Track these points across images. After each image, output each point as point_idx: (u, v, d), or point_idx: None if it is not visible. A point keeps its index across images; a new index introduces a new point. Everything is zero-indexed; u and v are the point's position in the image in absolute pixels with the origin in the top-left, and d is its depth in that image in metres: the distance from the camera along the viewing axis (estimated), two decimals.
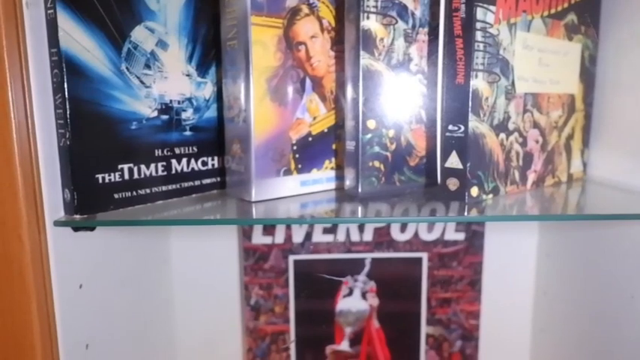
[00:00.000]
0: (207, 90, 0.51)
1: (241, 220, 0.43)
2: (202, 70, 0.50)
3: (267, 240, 0.70)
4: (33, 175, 0.39)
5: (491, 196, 0.48)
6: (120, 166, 0.44)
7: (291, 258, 0.70)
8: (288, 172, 0.50)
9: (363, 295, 0.72)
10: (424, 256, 0.71)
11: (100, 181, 0.42)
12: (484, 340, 0.73)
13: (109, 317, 0.50)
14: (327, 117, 0.52)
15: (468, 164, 0.45)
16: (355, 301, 0.72)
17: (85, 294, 0.45)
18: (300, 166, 0.51)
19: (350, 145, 0.48)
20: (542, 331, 0.73)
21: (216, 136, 0.52)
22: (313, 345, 0.73)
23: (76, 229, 0.43)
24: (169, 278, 0.70)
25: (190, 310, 0.72)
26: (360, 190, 0.48)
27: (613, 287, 0.56)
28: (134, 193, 0.45)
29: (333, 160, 0.53)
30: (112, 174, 0.43)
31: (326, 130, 0.52)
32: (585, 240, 0.62)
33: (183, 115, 0.49)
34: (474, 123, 0.44)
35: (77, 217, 0.41)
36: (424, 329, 0.73)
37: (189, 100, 0.49)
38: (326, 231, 0.70)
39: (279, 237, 0.70)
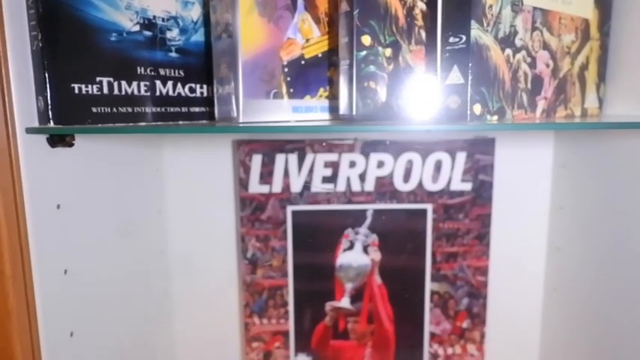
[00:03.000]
0: (195, 11, 0.49)
1: (220, 127, 0.40)
2: None
3: (264, 189, 0.67)
4: (2, 78, 0.37)
5: (496, 117, 0.44)
6: (98, 79, 0.41)
7: (289, 209, 0.67)
8: (278, 95, 0.47)
9: (365, 249, 0.69)
10: (429, 207, 0.67)
11: (77, 91, 0.40)
12: (493, 298, 0.69)
13: (91, 241, 0.48)
14: (321, 41, 0.49)
15: (470, 77, 0.42)
16: (356, 255, 0.69)
17: (64, 215, 0.43)
18: (291, 90, 0.48)
19: (344, 64, 0.45)
20: (554, 290, 0.68)
21: (204, 62, 0.50)
22: (312, 301, 0.70)
23: (52, 144, 0.41)
24: (162, 223, 0.67)
25: (185, 262, 0.70)
26: (354, 112, 0.45)
27: (631, 242, 0.52)
28: (114, 109, 0.43)
29: (329, 88, 0.51)
30: (90, 86, 0.41)
31: (320, 56, 0.49)
32: (601, 191, 0.58)
33: (169, 35, 0.46)
34: (476, 32, 0.41)
35: (51, 125, 0.39)
36: (429, 286, 0.69)
37: (175, 19, 0.47)
38: (325, 180, 0.67)
39: (277, 186, 0.67)
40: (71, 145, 0.42)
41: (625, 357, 0.54)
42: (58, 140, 0.41)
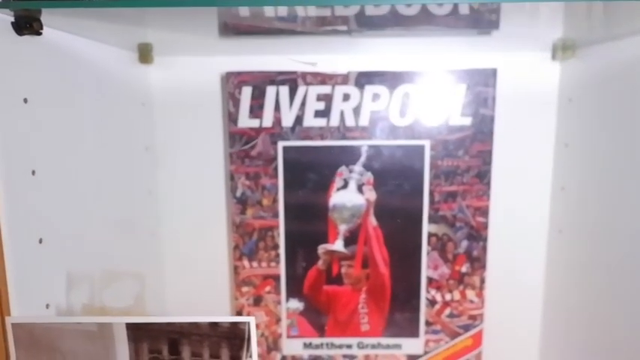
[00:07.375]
0: None
1: None
2: None
3: (255, 123, 0.64)
4: None
5: None
6: None
7: (280, 144, 0.65)
8: None
9: (359, 188, 0.66)
10: (426, 143, 0.64)
11: None
12: (493, 240, 0.65)
13: (62, 138, 0.45)
14: None
15: None
16: (350, 194, 0.66)
17: (32, 109, 0.41)
18: None
19: None
20: (560, 232, 0.65)
21: None
22: (304, 244, 0.67)
23: (18, 30, 0.39)
24: (149, 160, 0.65)
25: (172, 203, 0.67)
26: None
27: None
28: None
29: None
30: None
31: None
32: (610, 128, 0.54)
33: None
34: None
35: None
36: (426, 227, 0.66)
37: None
38: (318, 114, 0.64)
39: (267, 120, 0.64)
40: (39, 33, 0.39)
41: (632, 300, 0.50)
42: (24, 26, 0.38)
